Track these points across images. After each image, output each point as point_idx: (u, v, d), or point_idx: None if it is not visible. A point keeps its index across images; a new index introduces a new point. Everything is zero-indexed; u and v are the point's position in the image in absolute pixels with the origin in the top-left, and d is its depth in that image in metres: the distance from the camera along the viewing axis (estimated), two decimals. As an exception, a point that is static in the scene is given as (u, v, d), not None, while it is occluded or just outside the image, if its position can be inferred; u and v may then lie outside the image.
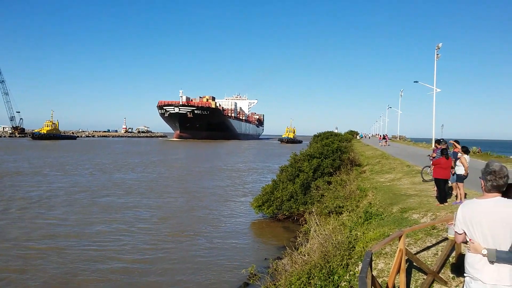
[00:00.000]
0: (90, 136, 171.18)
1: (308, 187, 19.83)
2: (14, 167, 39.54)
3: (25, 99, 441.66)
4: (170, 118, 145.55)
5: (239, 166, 49.12)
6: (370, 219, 11.25)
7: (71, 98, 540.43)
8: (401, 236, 5.51)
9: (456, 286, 5.96)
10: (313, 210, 15.10)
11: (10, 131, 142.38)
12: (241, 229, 17.78)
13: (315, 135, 51.27)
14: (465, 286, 3.80)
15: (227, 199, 25.01)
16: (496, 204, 3.59)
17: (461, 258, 6.11)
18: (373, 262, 6.36)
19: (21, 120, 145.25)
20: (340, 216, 14.48)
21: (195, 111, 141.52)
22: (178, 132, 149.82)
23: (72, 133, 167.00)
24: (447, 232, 5.65)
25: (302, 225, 15.89)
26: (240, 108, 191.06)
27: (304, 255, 9.92)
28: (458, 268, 6.10)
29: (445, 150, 11.43)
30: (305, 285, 7.92)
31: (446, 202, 11.15)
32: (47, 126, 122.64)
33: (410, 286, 6.20)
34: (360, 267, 7.24)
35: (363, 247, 8.44)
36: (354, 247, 8.76)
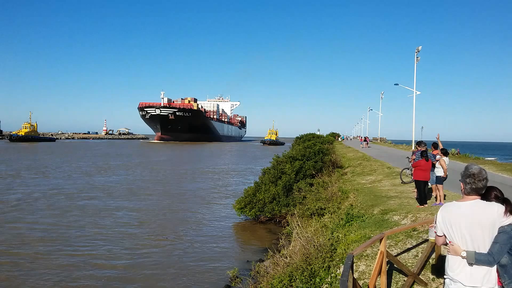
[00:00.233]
0: (69, 138, 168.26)
1: (290, 189, 19.88)
2: (-10, 170, 38.59)
3: (2, 100, 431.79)
4: (151, 120, 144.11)
5: (221, 168, 48.95)
6: (351, 221, 11.32)
7: (50, 100, 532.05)
8: (382, 238, 5.54)
9: (436, 287, 6.02)
10: (295, 212, 15.12)
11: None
12: (223, 232, 17.68)
13: (297, 137, 51.49)
14: (445, 288, 3.83)
15: (209, 202, 24.87)
16: (475, 207, 3.63)
17: (441, 259, 6.18)
18: (354, 264, 6.38)
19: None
20: (322, 218, 14.53)
21: (177, 113, 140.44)
22: (159, 134, 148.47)
23: (51, 135, 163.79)
24: (428, 234, 5.73)
25: (284, 227, 15.88)
26: (223, 110, 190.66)
27: (286, 257, 9.91)
28: (438, 270, 6.16)
29: (425, 152, 11.58)
30: (287, 287, 7.90)
31: (426, 203, 11.30)
32: (25, 128, 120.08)
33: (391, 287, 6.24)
34: (341, 269, 7.26)
35: (345, 249, 8.48)
36: (336, 249, 8.78)
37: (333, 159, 29.19)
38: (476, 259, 3.49)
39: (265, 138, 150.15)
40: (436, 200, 11.66)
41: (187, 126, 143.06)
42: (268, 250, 11.91)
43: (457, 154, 37.38)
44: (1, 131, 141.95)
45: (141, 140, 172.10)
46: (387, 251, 5.67)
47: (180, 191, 28.59)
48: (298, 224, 11.91)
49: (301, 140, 44.31)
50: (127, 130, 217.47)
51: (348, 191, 16.66)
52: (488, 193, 3.82)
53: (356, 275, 6.63)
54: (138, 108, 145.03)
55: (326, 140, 49.86)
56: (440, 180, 11.55)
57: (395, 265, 6.43)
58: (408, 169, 17.02)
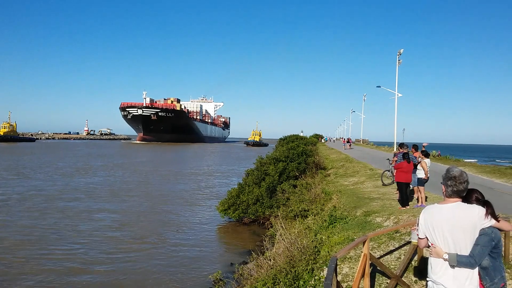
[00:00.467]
0: (50, 138, 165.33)
1: (274, 190, 19.88)
2: (-34, 171, 37.64)
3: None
4: (133, 120, 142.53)
5: (205, 169, 48.72)
6: (334, 222, 11.37)
7: (30, 99, 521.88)
8: (366, 241, 5.56)
9: (418, 289, 6.08)
10: (279, 214, 15.14)
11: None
12: (206, 234, 17.57)
13: (280, 139, 51.54)
14: (428, 290, 3.85)
15: (192, 203, 24.71)
16: (456, 209, 3.65)
17: (423, 261, 6.23)
18: (338, 266, 6.39)
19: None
20: (305, 220, 14.55)
21: (159, 113, 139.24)
22: (141, 134, 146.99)
23: (31, 135, 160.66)
24: (410, 237, 5.77)
25: (268, 229, 15.88)
26: (206, 110, 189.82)
27: (270, 260, 9.89)
28: (421, 272, 6.22)
29: (406, 154, 11.71)
30: (270, 290, 7.89)
31: (408, 205, 11.42)
32: (4, 128, 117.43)
33: (374, 290, 6.27)
34: (325, 272, 7.27)
35: (328, 251, 8.50)
36: (319, 251, 8.80)
37: (316, 161, 29.32)
38: (458, 261, 3.52)
39: (249, 139, 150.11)
40: (417, 202, 11.80)
41: (169, 126, 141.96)
42: (252, 252, 11.87)
43: (438, 156, 37.97)
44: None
45: (123, 141, 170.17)
46: (370, 253, 5.70)
47: (163, 193, 28.33)
48: (282, 226, 11.92)
49: (284, 141, 44.38)
50: (109, 131, 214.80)
51: (331, 192, 16.75)
52: (469, 196, 3.87)
53: (339, 278, 6.65)
54: (119, 108, 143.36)
55: (309, 141, 50.13)
56: (421, 182, 11.70)
57: (378, 268, 6.46)
58: (389, 171, 17.22)
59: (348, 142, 60.15)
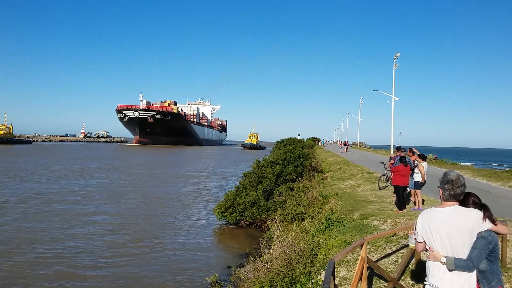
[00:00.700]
0: (46, 141, 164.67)
1: (271, 193, 19.88)
2: (-38, 173, 37.45)
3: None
4: (130, 123, 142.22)
5: (202, 172, 48.66)
6: (331, 225, 11.37)
7: (27, 101, 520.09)
8: (363, 244, 5.57)
9: (416, 293, 6.08)
10: (276, 217, 15.12)
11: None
12: (203, 236, 17.54)
13: (278, 141, 51.56)
14: (425, 293, 3.86)
15: (189, 206, 24.66)
16: (454, 213, 3.66)
17: (420, 265, 6.24)
18: (335, 270, 6.39)
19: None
20: (302, 223, 14.56)
21: (156, 116, 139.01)
22: (138, 137, 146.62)
23: (28, 137, 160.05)
24: (407, 240, 5.77)
25: (265, 231, 15.86)
26: (203, 113, 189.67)
27: (267, 263, 9.87)
28: (418, 275, 6.22)
29: (404, 158, 11.72)
30: (267, 293, 7.87)
31: (405, 208, 11.44)
32: (0, 130, 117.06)
33: (372, 293, 6.27)
34: (322, 275, 7.27)
35: (325, 255, 8.50)
36: (317, 255, 8.79)
37: (313, 164, 29.37)
38: (455, 264, 3.53)
39: (246, 142, 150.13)
40: (414, 205, 11.82)
41: (166, 129, 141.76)
42: (249, 255, 11.85)
43: (434, 159, 38.10)
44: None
45: (119, 143, 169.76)
46: (367, 256, 5.70)
47: (159, 196, 28.27)
48: (279, 229, 11.91)
49: (281, 144, 44.40)
50: (105, 133, 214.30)
51: (328, 195, 16.76)
52: (466, 199, 3.88)
53: (337, 281, 6.65)
54: (116, 110, 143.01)
55: (306, 144, 50.18)
56: (418, 185, 11.72)
57: (375, 271, 6.46)
58: (384, 175, 17.28)
59: (345, 145, 60.27)
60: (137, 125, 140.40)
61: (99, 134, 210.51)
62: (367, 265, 5.67)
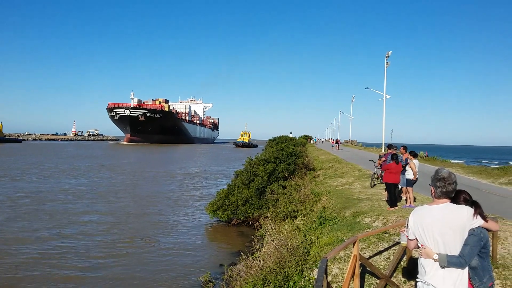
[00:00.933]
0: (37, 139, 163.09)
1: (263, 191, 19.89)
2: (-50, 173, 36.97)
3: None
4: (121, 121, 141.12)
5: (194, 170, 48.55)
6: (324, 223, 11.40)
7: (16, 100, 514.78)
8: (355, 242, 5.58)
9: (408, 289, 6.12)
10: (268, 215, 15.13)
11: None
12: (195, 235, 17.50)
13: (270, 140, 51.53)
14: (417, 291, 3.87)
15: (181, 204, 24.59)
16: (446, 210, 3.68)
17: (412, 262, 6.27)
18: (327, 267, 6.40)
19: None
20: (295, 221, 14.58)
21: (147, 114, 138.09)
22: (129, 135, 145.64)
23: (18, 136, 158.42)
24: (399, 238, 5.80)
25: (257, 229, 15.87)
26: (195, 111, 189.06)
27: (259, 261, 9.87)
28: (410, 272, 6.26)
29: (395, 155, 11.78)
30: (260, 291, 7.87)
31: (397, 206, 11.50)
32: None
33: (364, 290, 6.29)
34: (314, 273, 7.28)
35: (318, 252, 8.51)
36: (309, 252, 8.81)
37: (305, 162, 29.43)
38: (448, 261, 3.55)
39: (238, 140, 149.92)
40: (406, 203, 11.89)
41: (158, 127, 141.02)
42: (241, 253, 11.84)
43: (425, 157, 38.37)
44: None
45: (110, 142, 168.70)
46: (360, 254, 5.72)
47: (151, 194, 28.15)
48: (271, 227, 11.92)
49: (274, 142, 44.40)
50: (97, 132, 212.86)
51: (320, 193, 16.80)
52: (457, 196, 3.90)
53: (329, 279, 6.66)
54: (107, 109, 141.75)
55: (298, 142, 50.22)
56: (410, 182, 11.79)
57: (367, 268, 6.49)
58: (375, 173, 17.39)
59: (336, 143, 60.52)
60: (128, 124, 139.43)
61: (90, 133, 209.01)
62: (360, 263, 5.69)
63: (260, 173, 21.30)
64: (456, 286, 3.57)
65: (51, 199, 24.70)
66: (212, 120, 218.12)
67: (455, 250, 3.59)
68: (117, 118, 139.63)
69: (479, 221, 3.68)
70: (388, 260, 7.07)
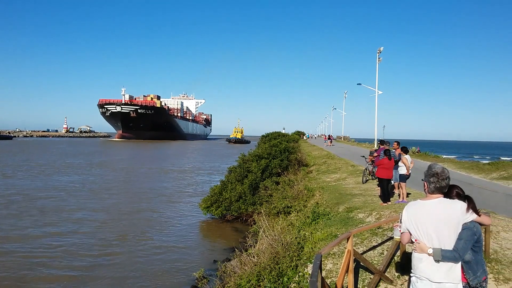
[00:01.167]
0: (28, 136, 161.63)
1: (257, 187, 19.91)
2: None
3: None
4: (112, 118, 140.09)
5: (187, 167, 48.45)
6: (317, 219, 11.44)
7: (7, 96, 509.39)
8: (349, 237, 5.60)
9: (401, 284, 6.16)
10: (262, 211, 15.15)
11: None
12: (189, 231, 17.48)
13: (263, 136, 51.65)
14: (411, 285, 3.90)
15: (174, 201, 24.54)
16: (439, 205, 3.71)
17: (405, 257, 6.32)
18: (322, 263, 6.43)
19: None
20: (288, 216, 14.62)
21: (139, 110, 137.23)
22: (120, 132, 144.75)
23: (8, 132, 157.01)
24: (393, 233, 5.82)
25: (251, 225, 15.87)
26: (187, 107, 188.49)
27: (254, 257, 9.88)
28: (403, 267, 6.30)
29: (388, 151, 11.83)
30: (254, 287, 7.89)
31: (390, 201, 11.56)
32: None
33: (358, 286, 6.33)
34: (309, 268, 7.31)
35: (312, 248, 8.55)
36: (303, 248, 8.84)
37: (298, 158, 29.48)
38: (442, 256, 3.58)
39: (231, 137, 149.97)
40: (399, 198, 11.96)
41: (149, 124, 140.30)
42: (235, 249, 11.85)
43: (417, 152, 38.57)
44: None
45: (101, 138, 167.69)
46: (354, 249, 5.75)
47: (144, 191, 28.06)
48: (265, 223, 11.93)
49: (267, 138, 44.50)
50: (88, 128, 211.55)
51: (313, 189, 16.85)
52: (450, 191, 3.93)
53: (323, 274, 6.69)
54: (98, 105, 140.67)
55: (291, 138, 50.35)
56: (403, 178, 11.86)
57: (361, 263, 6.52)
58: (366, 168, 17.47)
59: (329, 138, 60.62)
60: (119, 120, 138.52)
61: (82, 129, 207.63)
62: (354, 258, 5.72)
63: (254, 169, 21.30)
64: (449, 280, 3.60)
65: (43, 196, 24.52)
66: (205, 116, 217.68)
67: (449, 244, 3.62)
68: (108, 114, 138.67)
69: (472, 216, 3.71)
70: (382, 255, 7.12)
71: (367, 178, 17.10)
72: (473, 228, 3.70)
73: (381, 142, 14.03)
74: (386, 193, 11.62)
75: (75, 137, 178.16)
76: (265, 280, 7.78)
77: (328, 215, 11.51)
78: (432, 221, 3.67)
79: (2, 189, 26.62)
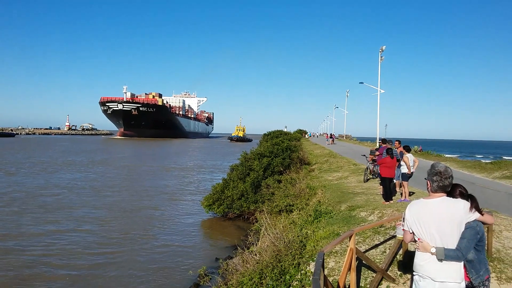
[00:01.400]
0: (30, 134, 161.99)
1: (259, 185, 19.91)
2: None
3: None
4: (114, 115, 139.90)
5: (189, 165, 48.49)
6: (319, 217, 11.44)
7: (10, 94, 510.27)
8: (352, 235, 5.61)
9: (404, 283, 6.16)
10: (264, 209, 15.16)
11: None
12: (191, 229, 17.51)
13: (265, 134, 51.57)
14: (414, 284, 3.90)
15: (176, 199, 24.58)
16: (442, 204, 3.71)
17: (408, 255, 6.32)
18: (324, 261, 6.43)
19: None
20: (290, 215, 14.63)
21: (140, 108, 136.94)
22: (122, 130, 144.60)
23: (11, 130, 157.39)
24: (395, 231, 5.83)
25: (253, 223, 15.90)
26: (189, 105, 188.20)
27: (256, 255, 9.89)
28: (405, 266, 6.31)
29: (390, 150, 11.82)
30: (257, 285, 7.90)
31: (392, 200, 11.55)
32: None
33: (360, 284, 6.34)
34: (311, 266, 7.33)
35: (314, 246, 8.56)
36: (305, 246, 8.85)
37: (300, 156, 29.48)
38: (445, 255, 3.58)
39: (233, 135, 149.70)
40: (401, 197, 11.95)
41: (151, 122, 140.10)
42: (237, 247, 11.86)
43: (419, 151, 38.53)
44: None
45: (103, 136, 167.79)
46: (356, 248, 5.75)
47: (146, 189, 28.10)
48: (267, 221, 11.94)
49: (269, 137, 44.43)
50: (90, 126, 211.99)
51: (315, 187, 16.85)
52: (453, 190, 3.94)
53: (325, 272, 6.70)
54: (99, 103, 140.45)
55: (293, 137, 50.30)
56: (405, 176, 11.84)
57: (364, 262, 6.53)
58: (368, 167, 17.46)
59: (331, 137, 60.60)
60: (121, 118, 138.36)
61: (84, 127, 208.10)
62: (356, 256, 5.72)
63: (256, 168, 21.31)
64: (452, 279, 3.60)
65: (45, 194, 24.59)
66: (207, 115, 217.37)
67: (452, 243, 3.62)
68: (109, 112, 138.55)
69: (475, 215, 3.72)
70: (384, 254, 7.12)
71: (368, 177, 17.10)
72: (476, 227, 3.70)
73: (383, 141, 14.01)
74: (389, 191, 11.61)
75: (77, 134, 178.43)
76: (267, 278, 7.79)
77: (330, 213, 11.52)
78: (435, 220, 3.67)
79: (4, 186, 26.70)
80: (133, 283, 11.42)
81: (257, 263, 9.11)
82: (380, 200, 12.03)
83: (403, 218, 4.02)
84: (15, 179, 30.60)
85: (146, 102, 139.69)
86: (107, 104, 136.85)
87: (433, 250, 3.63)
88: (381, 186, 12.23)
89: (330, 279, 6.55)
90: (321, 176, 21.19)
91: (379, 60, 39.21)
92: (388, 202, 11.38)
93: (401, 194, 12.06)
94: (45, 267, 12.34)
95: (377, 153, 14.85)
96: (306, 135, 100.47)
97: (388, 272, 6.31)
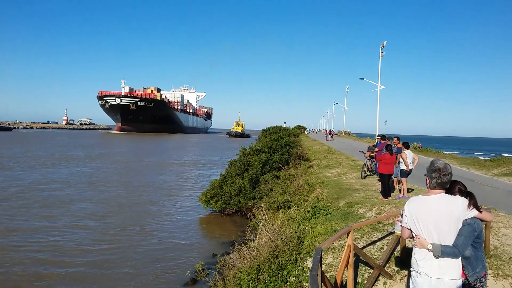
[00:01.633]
0: (27, 128, 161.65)
1: (257, 181, 19.91)
2: None
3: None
4: (111, 110, 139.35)
5: (187, 160, 48.46)
6: (317, 213, 11.44)
7: (7, 88, 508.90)
8: (350, 232, 5.60)
9: (401, 279, 6.17)
10: (262, 205, 15.16)
11: None
12: (188, 225, 17.51)
13: (264, 130, 51.59)
14: (411, 280, 3.90)
15: (174, 194, 24.57)
16: (441, 201, 3.70)
17: (405, 252, 6.32)
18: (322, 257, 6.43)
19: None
20: (288, 211, 14.63)
21: (139, 103, 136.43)
22: (120, 124, 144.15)
23: (8, 124, 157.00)
24: (393, 228, 5.84)
25: (251, 219, 15.90)
26: (188, 100, 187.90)
27: (253, 250, 9.90)
28: (403, 262, 6.31)
29: (389, 146, 11.81)
30: (254, 281, 7.89)
31: (390, 196, 11.56)
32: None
33: (357, 280, 6.34)
34: (308, 262, 7.32)
35: (311, 242, 8.55)
36: (303, 242, 8.85)
37: (299, 152, 29.47)
38: (442, 251, 3.57)
39: (231, 130, 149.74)
40: (400, 193, 11.96)
41: (149, 116, 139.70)
42: (235, 243, 11.87)
43: (418, 148, 38.57)
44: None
45: (100, 131, 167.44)
46: (354, 244, 5.75)
47: (144, 184, 28.08)
48: (265, 217, 11.94)
49: (267, 132, 44.46)
50: (88, 120, 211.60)
51: (314, 183, 16.85)
52: (452, 187, 3.93)
53: (323, 268, 6.69)
54: (97, 97, 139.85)
55: (292, 133, 50.27)
56: (404, 173, 11.84)
57: (361, 258, 6.53)
58: (365, 164, 17.45)
59: (330, 133, 60.58)
60: (119, 112, 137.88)
61: (82, 121, 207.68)
62: (353, 252, 5.72)
63: (254, 163, 21.30)
64: (449, 276, 3.60)
65: (41, 189, 24.55)
66: (205, 110, 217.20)
67: (449, 240, 3.62)
68: (107, 106, 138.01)
69: (473, 212, 3.71)
70: (382, 250, 7.12)
71: (366, 174, 17.09)
72: (473, 224, 3.69)
73: (382, 137, 14.00)
74: (387, 188, 11.61)
75: (75, 129, 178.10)
76: (265, 273, 7.79)
77: (328, 209, 11.51)
78: (433, 216, 3.66)
79: (1, 181, 26.63)
80: (129, 279, 11.40)
81: (254, 258, 9.11)
82: (378, 196, 12.03)
83: (401, 214, 4.02)
84: (11, 173, 30.53)
85: (144, 97, 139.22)
86: (105, 98, 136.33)
87: (430, 246, 3.63)
88: (380, 183, 12.23)
89: (328, 275, 6.54)
90: (319, 172, 21.19)
91: (380, 55, 39.20)
92: (386, 199, 11.38)
93: (400, 190, 12.06)
94: (40, 264, 12.29)
95: (376, 149, 14.85)
96: (305, 131, 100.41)
97: (385, 269, 6.31)
